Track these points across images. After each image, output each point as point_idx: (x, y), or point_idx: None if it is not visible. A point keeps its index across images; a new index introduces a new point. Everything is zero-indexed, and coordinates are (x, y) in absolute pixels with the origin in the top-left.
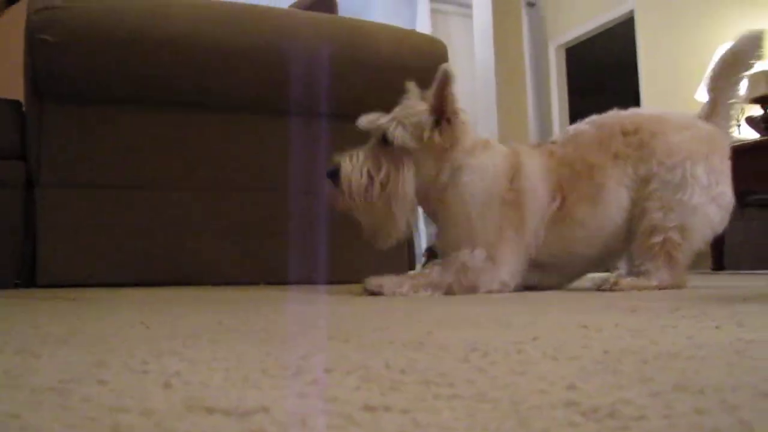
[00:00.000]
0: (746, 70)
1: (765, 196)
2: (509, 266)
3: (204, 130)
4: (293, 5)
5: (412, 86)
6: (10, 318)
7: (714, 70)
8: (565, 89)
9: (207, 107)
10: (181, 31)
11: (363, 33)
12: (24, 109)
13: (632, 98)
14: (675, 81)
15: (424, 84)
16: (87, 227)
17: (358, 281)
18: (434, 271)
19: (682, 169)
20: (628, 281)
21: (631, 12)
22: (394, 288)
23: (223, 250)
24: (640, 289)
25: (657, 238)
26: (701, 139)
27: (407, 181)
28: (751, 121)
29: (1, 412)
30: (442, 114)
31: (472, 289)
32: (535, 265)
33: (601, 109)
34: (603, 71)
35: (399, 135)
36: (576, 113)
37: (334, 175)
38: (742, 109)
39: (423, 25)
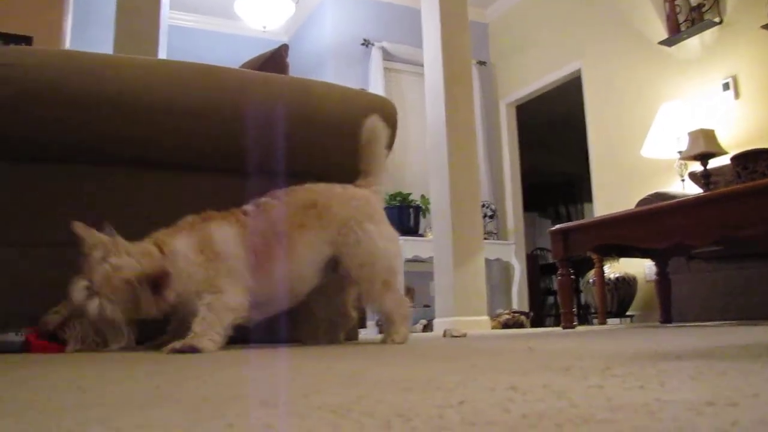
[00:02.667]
0: (379, 148)
1: (708, 249)
2: (235, 293)
3: (158, 188)
4: (244, 65)
5: (108, 232)
6: None
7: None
8: (516, 145)
9: (160, 166)
10: (132, 90)
11: (312, 93)
12: None
13: (581, 153)
14: (621, 136)
15: None
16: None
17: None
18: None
19: (355, 231)
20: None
21: (579, 71)
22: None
23: None
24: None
25: (376, 287)
26: (362, 206)
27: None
28: (694, 177)
29: None
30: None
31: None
32: (253, 305)
33: (551, 163)
34: (553, 127)
35: (112, 316)
36: (527, 167)
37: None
38: (685, 165)
39: (376, 83)
